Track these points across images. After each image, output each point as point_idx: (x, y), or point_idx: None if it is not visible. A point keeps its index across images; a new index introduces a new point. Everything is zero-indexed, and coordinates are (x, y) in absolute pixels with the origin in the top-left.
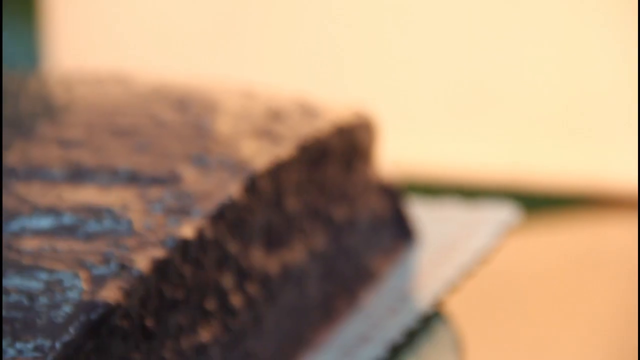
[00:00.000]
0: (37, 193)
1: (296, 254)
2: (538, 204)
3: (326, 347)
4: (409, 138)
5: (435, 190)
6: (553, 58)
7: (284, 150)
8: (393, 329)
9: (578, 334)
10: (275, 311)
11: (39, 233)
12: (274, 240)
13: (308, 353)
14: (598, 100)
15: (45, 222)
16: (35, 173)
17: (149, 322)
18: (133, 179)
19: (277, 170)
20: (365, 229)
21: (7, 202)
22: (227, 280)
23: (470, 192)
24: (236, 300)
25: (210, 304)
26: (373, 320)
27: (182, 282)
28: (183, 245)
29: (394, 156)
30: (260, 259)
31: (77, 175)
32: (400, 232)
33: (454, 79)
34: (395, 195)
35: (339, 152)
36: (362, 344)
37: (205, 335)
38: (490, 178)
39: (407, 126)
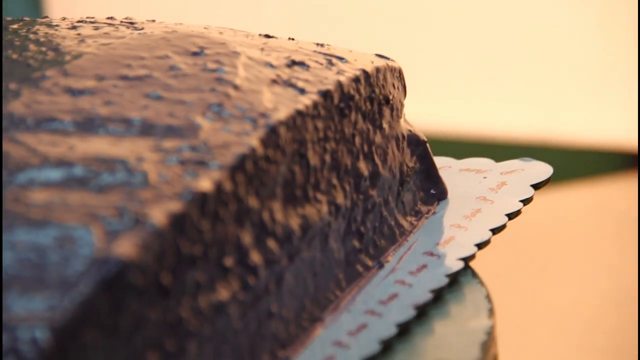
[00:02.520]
0: (46, 144)
1: (318, 209)
2: (566, 162)
3: (350, 306)
4: (428, 100)
5: (459, 150)
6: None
7: (307, 99)
8: (421, 287)
9: (607, 292)
10: (297, 269)
11: (48, 185)
12: (295, 195)
13: (331, 313)
14: (627, 61)
15: (55, 174)
16: (44, 123)
17: (165, 279)
18: (147, 129)
19: (299, 121)
20: (392, 183)
21: (15, 153)
22: (247, 236)
23: (496, 152)
24: (256, 257)
25: (229, 261)
26: (400, 279)
27: (199, 238)
28: (201, 199)
29: (416, 119)
30: (281, 214)
31: (88, 125)
32: (429, 188)
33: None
34: (423, 149)
35: (366, 101)
36: (388, 303)
37: (223, 293)
38: (516, 138)
39: (427, 89)
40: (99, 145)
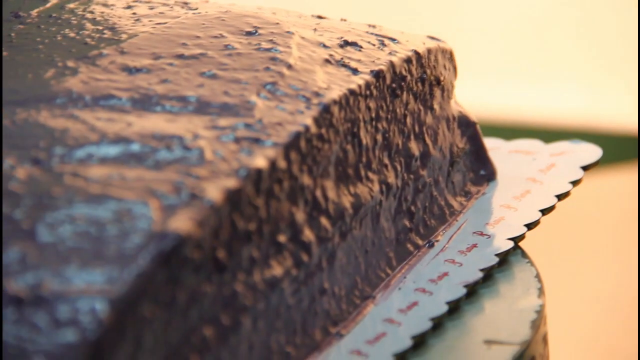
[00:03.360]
0: (104, 120)
1: (370, 188)
2: (614, 145)
3: (401, 284)
4: (479, 82)
5: (508, 132)
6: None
7: (359, 79)
8: (471, 266)
9: None
10: (348, 247)
11: (106, 161)
12: (347, 174)
13: (382, 291)
14: None
15: (113, 150)
16: (102, 100)
17: (221, 254)
18: (203, 107)
19: (352, 100)
20: (442, 164)
21: (74, 129)
22: (300, 214)
23: (545, 134)
24: (309, 234)
25: (283, 238)
26: (450, 258)
27: (254, 214)
28: (256, 176)
29: (466, 100)
30: (333, 192)
31: (145, 103)
32: (478, 169)
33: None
34: (474, 130)
35: (417, 82)
36: (438, 281)
37: (277, 269)
38: (566, 121)
39: (478, 70)
40: (155, 123)
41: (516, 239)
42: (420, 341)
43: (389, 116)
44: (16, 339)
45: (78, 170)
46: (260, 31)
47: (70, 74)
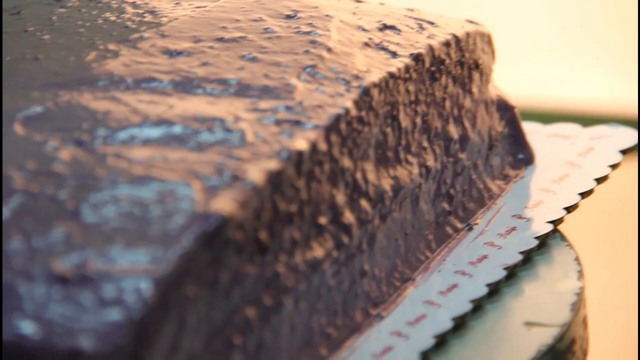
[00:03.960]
0: (146, 103)
1: (409, 171)
2: None
3: (440, 267)
4: (517, 66)
5: (546, 116)
6: None
7: (398, 62)
8: (510, 249)
9: None
10: (388, 229)
11: (149, 143)
12: (387, 156)
13: (422, 273)
14: None
15: (155, 132)
16: (144, 83)
17: (263, 235)
18: (243, 89)
19: (391, 83)
20: (481, 147)
21: (116, 111)
22: (340, 196)
23: (583, 120)
24: (349, 216)
25: (324, 220)
26: (489, 241)
27: (295, 196)
28: (297, 158)
29: (504, 84)
30: (373, 175)
31: (186, 85)
32: (517, 152)
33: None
34: (512, 114)
35: (456, 65)
36: (478, 264)
37: (318, 251)
38: (602, 107)
39: (516, 55)
40: (196, 105)
41: (555, 222)
42: (460, 323)
43: (428, 99)
44: (62, 318)
45: (121, 152)
46: (299, 14)
47: (111, 57)
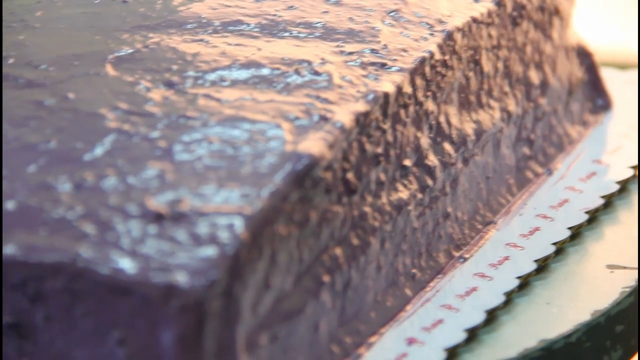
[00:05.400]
0: (233, 46)
1: (491, 115)
2: None
3: (522, 211)
4: (596, 12)
5: (625, 64)
6: None
7: (481, 7)
8: (591, 193)
9: None
10: (470, 173)
11: (238, 84)
12: (469, 100)
13: (503, 216)
14: None
15: (244, 74)
16: (231, 26)
17: (350, 176)
18: (329, 33)
19: (474, 28)
20: (560, 93)
21: (205, 53)
22: (424, 139)
23: None
24: (433, 159)
25: (408, 162)
26: (569, 185)
27: (381, 138)
28: (383, 100)
29: (583, 31)
30: (456, 118)
31: (273, 28)
32: (596, 98)
33: None
34: (591, 60)
35: (537, 10)
36: (559, 207)
37: (403, 192)
38: None
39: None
40: (283, 48)
41: (636, 167)
42: (543, 265)
43: (510, 44)
44: (158, 253)
45: (211, 93)
46: None
47: (198, 1)
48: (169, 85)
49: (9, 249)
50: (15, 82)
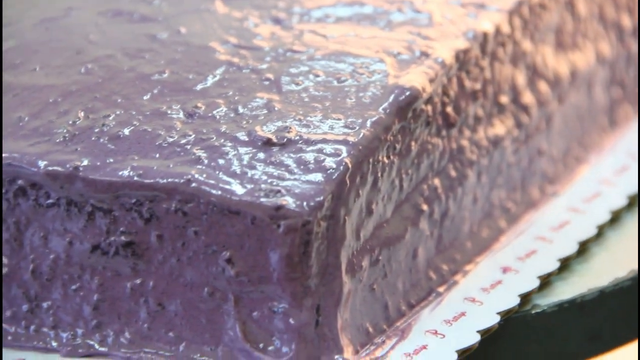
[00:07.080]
0: None
1: (586, 56)
2: None
3: (614, 150)
4: None
5: None
6: None
7: None
8: None
9: None
10: (564, 112)
11: (342, 21)
12: (565, 42)
13: (596, 155)
14: None
15: (348, 11)
16: None
17: (450, 110)
18: None
19: None
20: None
21: None
22: (521, 77)
23: None
24: (528, 97)
25: (505, 99)
26: None
27: (479, 75)
28: (482, 38)
29: None
30: (551, 59)
31: None
32: None
33: None
34: None
35: None
36: None
37: (499, 128)
38: None
39: None
40: None
41: None
42: (634, 200)
43: None
44: (267, 177)
45: (316, 29)
46: None
47: None
48: (276, 21)
49: (126, 172)
50: (130, 17)
